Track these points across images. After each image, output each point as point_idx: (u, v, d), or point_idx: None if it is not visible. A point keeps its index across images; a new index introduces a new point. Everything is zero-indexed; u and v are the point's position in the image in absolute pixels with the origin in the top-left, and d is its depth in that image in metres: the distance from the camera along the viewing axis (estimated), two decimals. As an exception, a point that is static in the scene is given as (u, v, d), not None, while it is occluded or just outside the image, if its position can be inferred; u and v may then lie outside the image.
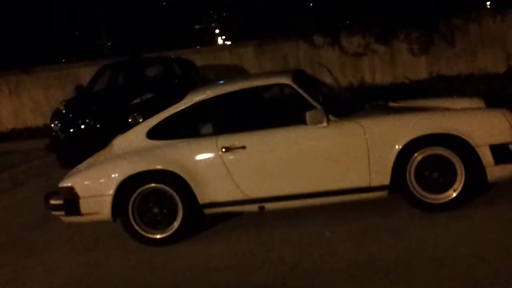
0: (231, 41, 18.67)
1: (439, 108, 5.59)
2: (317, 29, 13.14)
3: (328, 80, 13.15)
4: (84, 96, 10.65)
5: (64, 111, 9.77)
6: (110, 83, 11.26)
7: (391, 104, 5.95)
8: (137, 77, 11.21)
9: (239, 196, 5.18)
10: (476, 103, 5.84)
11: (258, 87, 5.43)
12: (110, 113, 9.48)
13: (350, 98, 6.07)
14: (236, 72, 13.59)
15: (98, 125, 9.32)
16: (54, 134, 9.64)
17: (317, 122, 4.97)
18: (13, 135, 14.83)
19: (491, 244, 4.16)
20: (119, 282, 4.62)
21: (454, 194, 4.93)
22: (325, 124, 4.99)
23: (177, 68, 11.63)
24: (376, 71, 13.30)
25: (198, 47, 15.62)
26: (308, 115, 4.94)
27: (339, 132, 5.03)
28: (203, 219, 5.45)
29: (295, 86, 5.20)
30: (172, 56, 12.57)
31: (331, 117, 5.04)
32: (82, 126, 9.45)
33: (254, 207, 5.22)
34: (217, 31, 36.61)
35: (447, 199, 4.95)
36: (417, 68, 12.92)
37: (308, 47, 13.56)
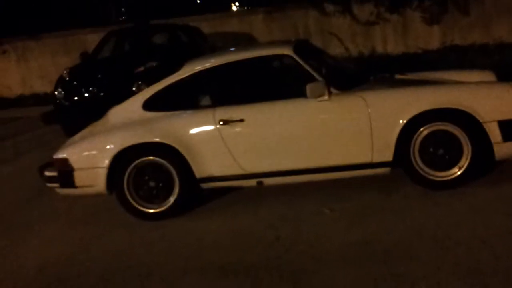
0: (245, 7, 18.35)
1: (446, 81, 5.38)
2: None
3: (338, 49, 12.91)
4: (89, 63, 10.48)
5: (67, 79, 9.64)
6: (115, 51, 11.09)
7: (397, 76, 5.74)
8: (143, 44, 11.01)
9: (236, 171, 5.03)
10: (487, 76, 5.61)
11: (258, 58, 5.20)
12: (114, 81, 9.33)
13: (355, 70, 5.85)
14: (244, 40, 13.35)
15: (102, 93, 9.20)
16: (57, 102, 9.53)
17: (318, 95, 4.78)
18: (20, 101, 14.77)
19: (494, 227, 3.98)
20: (112, 258, 4.51)
21: (459, 172, 4.74)
22: (326, 97, 4.80)
23: (183, 35, 11.40)
24: (388, 40, 12.98)
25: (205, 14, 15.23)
26: (309, 87, 4.75)
27: (341, 106, 4.84)
28: (200, 194, 5.32)
29: (296, 57, 4.99)
30: (179, 24, 12.32)
31: (333, 90, 4.85)
32: (86, 94, 9.33)
33: (252, 182, 5.07)
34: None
35: (452, 176, 4.77)
36: (430, 37, 12.60)
37: (319, 15, 13.25)
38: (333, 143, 4.87)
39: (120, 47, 11.18)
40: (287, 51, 5.06)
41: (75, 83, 9.57)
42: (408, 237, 4.05)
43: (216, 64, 5.20)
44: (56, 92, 9.54)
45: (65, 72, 9.82)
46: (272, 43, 6.01)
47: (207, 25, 13.52)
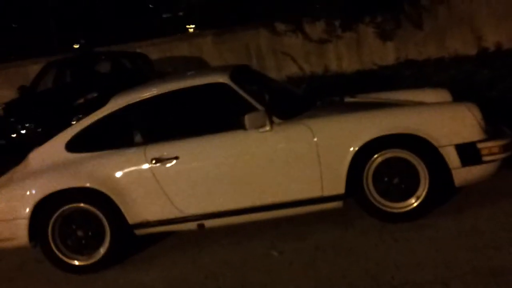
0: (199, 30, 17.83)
1: (399, 103, 4.98)
2: (278, 16, 12.39)
3: (292, 69, 12.53)
4: (26, 97, 9.86)
5: (3, 115, 9.04)
6: (56, 82, 10.49)
7: (347, 99, 5.31)
8: (84, 74, 10.43)
9: (174, 214, 4.53)
10: (442, 94, 5.21)
11: (190, 88, 4.69)
12: (53, 115, 8.75)
13: (300, 95, 5.41)
14: (195, 64, 12.85)
15: (40, 129, 8.60)
16: (-7, 140, 8.91)
17: (258, 126, 4.34)
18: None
19: (457, 266, 3.54)
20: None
21: (417, 202, 4.35)
22: (267, 127, 4.35)
23: (127, 63, 10.87)
24: (343, 58, 12.62)
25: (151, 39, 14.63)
26: (248, 118, 4.29)
27: (285, 137, 4.40)
28: (134, 241, 4.78)
29: (233, 86, 4.53)
30: (123, 50, 11.79)
31: (275, 119, 4.41)
32: (23, 131, 8.73)
33: (192, 226, 4.57)
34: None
35: (410, 207, 4.37)
36: (384, 53, 12.28)
37: (270, 34, 12.82)
38: (278, 178, 4.41)
39: (61, 78, 10.59)
40: (222, 79, 4.60)
41: (11, 119, 8.96)
42: (363, 281, 3.60)
43: (145, 97, 4.70)
44: (-11, 131, 8.93)
45: (1, 107, 9.22)
46: (207, 71, 5.53)
47: (155, 50, 13.01)
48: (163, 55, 13.18)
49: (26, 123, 8.72)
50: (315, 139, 4.32)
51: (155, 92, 4.72)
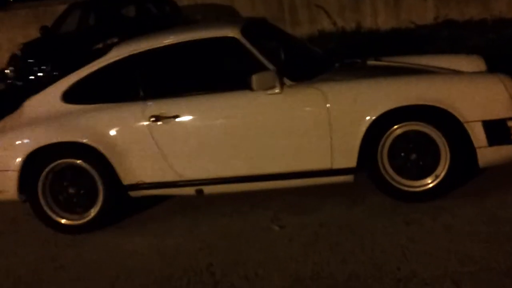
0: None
1: (425, 70, 4.51)
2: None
3: (325, 23, 11.98)
4: (46, 38, 9.58)
5: (21, 55, 8.80)
6: (79, 24, 10.18)
7: (370, 62, 4.86)
8: (108, 18, 10.08)
9: (171, 177, 4.22)
10: (475, 61, 4.72)
11: (197, 41, 4.31)
12: (71, 59, 8.44)
13: (318, 56, 4.97)
14: (225, 13, 12.38)
15: (56, 73, 8.33)
16: (9, 81, 8.70)
17: (266, 87, 3.95)
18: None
19: (471, 260, 3.15)
20: (13, 281, 3.76)
21: (435, 182, 3.95)
22: (277, 90, 3.96)
23: (153, 7, 10.48)
24: (379, 14, 11.99)
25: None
26: (255, 78, 3.90)
27: (295, 100, 4.01)
28: (130, 203, 4.50)
29: (243, 41, 4.13)
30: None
31: (286, 80, 4.01)
32: (40, 74, 8.48)
33: (190, 190, 4.26)
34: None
35: (427, 187, 3.98)
36: (424, 11, 11.60)
37: (304, -15, 12.28)
38: (285, 146, 4.06)
39: (85, 21, 10.27)
40: (232, 33, 4.19)
41: (30, 60, 8.72)
42: (365, 270, 3.25)
43: (148, 48, 4.33)
44: (6, 71, 8.70)
45: (18, 48, 8.99)
46: (218, 23, 5.12)
47: (185, -3, 12.57)
48: (193, 2, 12.74)
49: (43, 66, 8.47)
50: (328, 105, 3.93)
51: (159, 43, 4.35)
